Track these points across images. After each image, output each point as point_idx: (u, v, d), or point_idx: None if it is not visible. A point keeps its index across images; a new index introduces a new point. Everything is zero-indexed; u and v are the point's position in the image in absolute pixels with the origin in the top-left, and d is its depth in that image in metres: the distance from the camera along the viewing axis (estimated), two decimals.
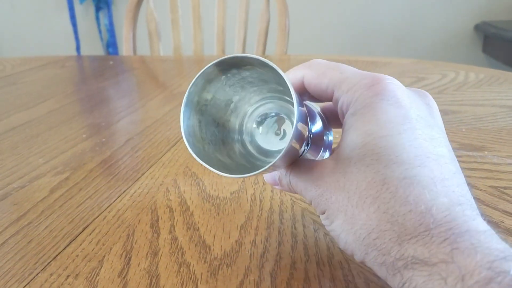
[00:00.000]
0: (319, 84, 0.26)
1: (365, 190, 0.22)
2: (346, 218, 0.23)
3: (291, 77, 0.28)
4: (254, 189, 0.38)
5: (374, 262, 0.22)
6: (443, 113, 0.55)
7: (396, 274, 0.20)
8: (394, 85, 0.24)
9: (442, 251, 0.19)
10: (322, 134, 0.30)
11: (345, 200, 0.23)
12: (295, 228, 0.32)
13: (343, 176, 0.23)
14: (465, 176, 0.39)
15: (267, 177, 0.30)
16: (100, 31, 2.38)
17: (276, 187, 0.30)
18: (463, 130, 0.50)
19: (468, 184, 0.23)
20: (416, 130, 0.22)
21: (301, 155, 0.28)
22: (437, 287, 0.18)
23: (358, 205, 0.22)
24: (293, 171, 0.27)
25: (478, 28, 2.10)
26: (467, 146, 0.45)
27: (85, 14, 2.38)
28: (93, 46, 2.41)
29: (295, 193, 0.28)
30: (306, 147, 0.28)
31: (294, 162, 0.28)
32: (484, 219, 0.21)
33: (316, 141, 0.29)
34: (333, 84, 0.26)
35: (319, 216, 0.26)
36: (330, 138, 0.31)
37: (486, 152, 0.44)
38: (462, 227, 0.19)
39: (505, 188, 0.37)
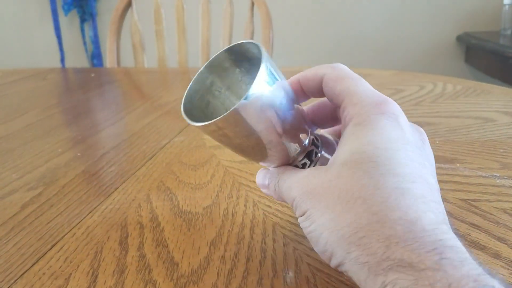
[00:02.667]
0: (334, 88, 0.28)
1: (358, 192, 0.23)
2: (333, 216, 0.23)
3: (312, 72, 0.29)
4: (227, 203, 0.38)
5: (355, 262, 0.22)
6: (419, 125, 0.56)
7: (379, 275, 0.21)
8: (398, 110, 0.26)
9: (431, 259, 0.19)
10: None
11: (335, 198, 0.23)
12: (265, 243, 0.32)
13: (336, 177, 0.24)
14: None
15: (259, 179, 0.32)
16: (85, 43, 2.37)
17: (264, 190, 0.32)
18: (437, 142, 0.50)
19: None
20: (412, 153, 0.24)
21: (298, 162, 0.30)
22: None
23: (348, 204, 0.23)
24: (283, 173, 0.29)
25: (460, 39, 2.13)
26: (439, 158, 0.46)
27: (70, 25, 2.37)
28: (78, 58, 2.40)
29: (279, 198, 0.30)
30: (304, 158, 0.30)
31: (286, 166, 0.30)
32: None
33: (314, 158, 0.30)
34: (345, 93, 0.27)
35: (297, 219, 0.26)
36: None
37: (458, 164, 0.44)
38: (449, 242, 0.20)
39: (474, 200, 0.37)
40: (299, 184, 0.27)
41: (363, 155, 0.23)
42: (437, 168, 0.43)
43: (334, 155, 0.26)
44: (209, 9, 1.36)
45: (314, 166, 0.30)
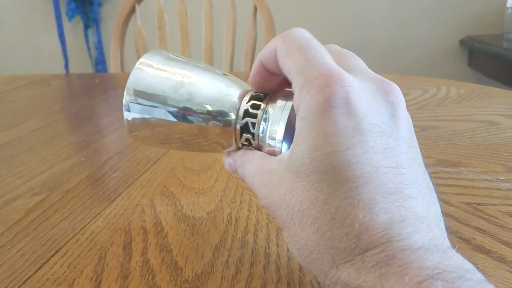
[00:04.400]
0: (284, 65, 0.24)
1: (307, 210, 0.21)
2: (290, 234, 0.22)
3: (268, 49, 0.25)
4: (230, 208, 0.38)
5: (318, 278, 0.22)
6: (422, 128, 0.56)
7: None
8: (348, 88, 0.21)
9: (372, 277, 0.18)
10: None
11: (289, 216, 0.22)
12: (269, 248, 0.32)
13: (289, 191, 0.22)
14: (439, 193, 0.39)
15: (226, 164, 0.30)
16: (89, 49, 2.38)
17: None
18: (441, 145, 0.50)
19: (431, 192, 0.23)
20: (368, 142, 0.21)
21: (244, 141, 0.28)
22: None
23: (300, 224, 0.21)
24: (245, 166, 0.27)
25: (463, 42, 2.13)
26: (443, 162, 0.45)
27: (74, 32, 2.39)
28: (82, 64, 2.41)
29: None
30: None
31: (241, 153, 0.28)
32: (431, 231, 0.20)
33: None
34: (293, 72, 0.23)
35: None
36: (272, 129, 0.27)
37: (462, 168, 0.44)
38: (397, 247, 0.19)
39: (479, 204, 0.37)
40: (260, 193, 0.25)
41: (310, 166, 0.21)
42: (441, 171, 0.43)
43: (288, 156, 0.23)
44: (212, 14, 1.37)
45: (261, 139, 0.27)
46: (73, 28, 2.38)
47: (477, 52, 2.04)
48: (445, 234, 0.21)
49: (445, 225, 0.22)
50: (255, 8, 1.32)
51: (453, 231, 0.33)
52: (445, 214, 0.35)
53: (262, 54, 0.26)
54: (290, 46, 0.24)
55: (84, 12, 2.31)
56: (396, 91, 0.23)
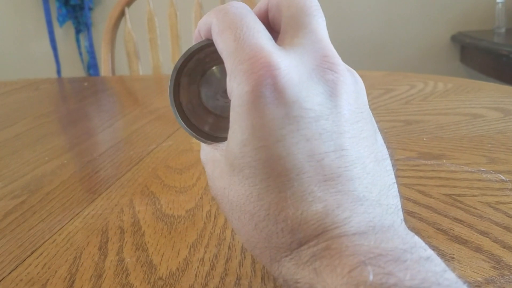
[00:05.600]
0: (217, 44, 0.22)
1: (244, 206, 0.20)
2: (234, 229, 0.22)
3: (203, 20, 0.23)
4: (210, 206, 0.38)
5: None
6: (406, 123, 0.55)
7: None
8: (275, 72, 0.19)
9: (307, 272, 0.18)
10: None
11: (230, 211, 0.21)
12: None
13: (228, 185, 0.21)
14: (420, 185, 0.39)
15: None
16: (80, 53, 2.38)
17: None
18: (424, 139, 0.50)
19: (380, 164, 0.21)
20: (300, 130, 0.19)
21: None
22: None
23: (240, 220, 0.21)
24: (201, 152, 0.27)
25: (454, 38, 2.13)
26: (426, 155, 0.45)
27: (65, 37, 2.38)
28: (74, 69, 2.41)
29: None
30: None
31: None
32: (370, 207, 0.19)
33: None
34: (224, 54, 0.21)
35: None
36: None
37: (444, 160, 0.44)
38: (332, 236, 0.18)
39: (458, 195, 0.37)
40: (209, 183, 0.25)
41: (242, 161, 0.20)
42: (423, 164, 0.43)
43: (226, 148, 0.22)
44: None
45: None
46: (65, 33, 2.38)
47: (469, 48, 2.04)
48: (391, 209, 0.20)
49: (400, 198, 0.21)
50: None
51: (430, 222, 0.33)
52: (424, 206, 0.35)
53: (200, 25, 0.24)
54: (222, 22, 0.22)
55: (75, 17, 2.31)
56: (337, 67, 0.21)
